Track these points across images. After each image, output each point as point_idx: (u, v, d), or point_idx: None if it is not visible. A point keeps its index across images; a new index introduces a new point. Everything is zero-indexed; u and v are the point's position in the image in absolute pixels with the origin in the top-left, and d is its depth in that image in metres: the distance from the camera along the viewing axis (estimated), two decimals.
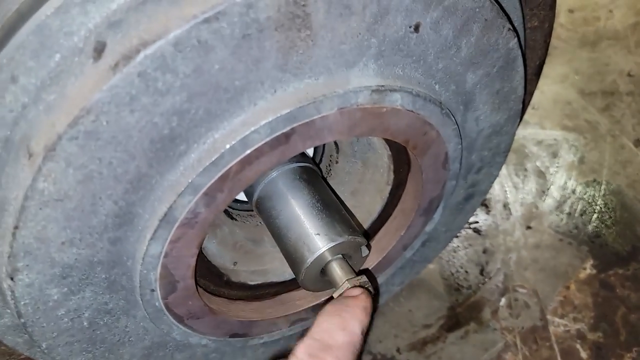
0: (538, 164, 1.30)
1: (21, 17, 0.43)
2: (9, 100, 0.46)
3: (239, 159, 0.52)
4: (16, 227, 0.48)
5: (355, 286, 0.62)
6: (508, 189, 1.26)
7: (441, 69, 0.61)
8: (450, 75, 0.62)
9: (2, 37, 0.44)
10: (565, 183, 1.26)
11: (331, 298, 0.76)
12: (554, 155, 1.32)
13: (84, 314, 0.59)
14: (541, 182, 1.27)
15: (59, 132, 0.44)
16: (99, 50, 0.44)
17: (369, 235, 0.80)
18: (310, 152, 0.80)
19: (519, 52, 0.66)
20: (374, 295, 0.63)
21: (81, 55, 0.44)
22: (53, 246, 0.51)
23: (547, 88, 1.47)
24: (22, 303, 0.54)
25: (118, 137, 0.46)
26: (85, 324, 0.61)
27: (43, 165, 0.45)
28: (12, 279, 0.51)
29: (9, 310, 0.62)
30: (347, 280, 0.63)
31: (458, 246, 1.17)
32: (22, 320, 0.56)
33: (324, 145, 0.81)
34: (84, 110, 0.43)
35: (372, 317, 0.60)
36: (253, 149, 0.52)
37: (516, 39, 0.64)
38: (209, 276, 0.73)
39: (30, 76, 0.45)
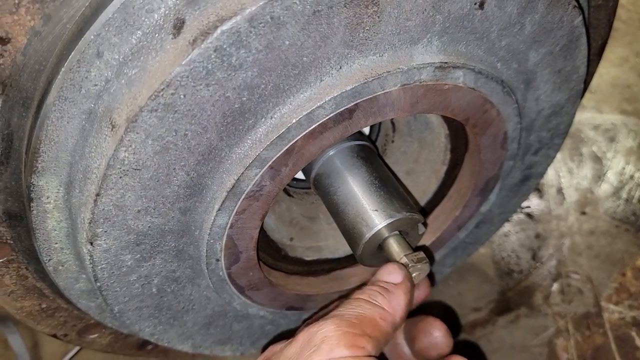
0: (594, 148, 1.27)
1: None
2: (93, 75, 0.49)
3: (304, 133, 0.54)
4: (98, 195, 0.51)
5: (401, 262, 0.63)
6: (562, 173, 1.23)
7: (504, 46, 0.60)
8: (513, 53, 0.62)
9: (90, 14, 0.47)
10: (623, 169, 1.22)
11: None
12: (612, 140, 1.28)
13: (153, 280, 0.63)
14: (597, 168, 1.24)
15: (140, 104, 0.46)
16: (178, 26, 0.46)
17: (425, 213, 0.81)
18: (366, 130, 0.81)
19: (583, 30, 0.65)
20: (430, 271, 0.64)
21: (161, 31, 0.47)
22: (130, 214, 0.54)
23: (606, 71, 1.42)
24: (99, 267, 0.58)
25: (193, 110, 0.48)
26: (154, 290, 0.64)
27: (125, 135, 0.48)
28: (91, 243, 0.55)
29: (84, 276, 0.66)
30: (404, 255, 0.64)
31: (509, 230, 1.16)
32: (98, 284, 0.60)
33: (380, 124, 0.82)
34: (164, 83, 0.46)
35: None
36: (318, 124, 0.54)
37: (581, 16, 0.63)
38: (267, 250, 0.76)
39: (114, 52, 0.48)
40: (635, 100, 1.36)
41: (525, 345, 1.00)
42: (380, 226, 0.65)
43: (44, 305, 0.71)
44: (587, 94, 1.37)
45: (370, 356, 0.52)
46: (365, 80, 0.53)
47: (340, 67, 0.52)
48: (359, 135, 0.74)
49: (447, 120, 0.72)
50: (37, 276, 0.66)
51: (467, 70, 0.58)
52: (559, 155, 1.27)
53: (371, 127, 0.82)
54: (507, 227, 1.16)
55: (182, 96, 0.47)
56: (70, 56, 0.48)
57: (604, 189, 1.20)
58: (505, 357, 0.99)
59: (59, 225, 0.59)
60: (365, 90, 0.54)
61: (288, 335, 0.61)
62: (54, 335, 0.76)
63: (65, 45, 0.48)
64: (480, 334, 1.03)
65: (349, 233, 0.68)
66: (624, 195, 1.18)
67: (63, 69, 0.48)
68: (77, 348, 1.11)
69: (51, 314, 0.72)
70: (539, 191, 1.21)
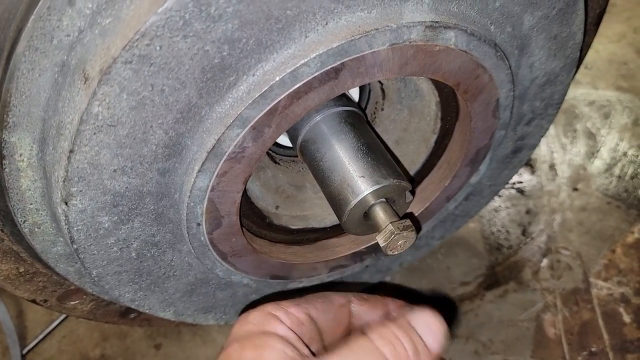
0: (588, 125, 1.25)
1: None
2: (65, 24, 0.46)
3: (287, 92, 0.52)
4: (71, 151, 0.49)
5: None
6: (555, 149, 1.22)
7: (498, 8, 0.58)
8: (507, 15, 0.60)
9: None
10: (617, 145, 1.21)
11: (375, 245, 0.76)
12: (606, 116, 1.26)
13: (132, 244, 0.61)
14: (591, 144, 1.22)
15: (114, 55, 0.44)
16: None
17: (414, 183, 0.79)
18: (355, 97, 0.79)
19: None
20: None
21: None
22: (105, 173, 0.52)
23: (602, 47, 1.40)
24: (75, 229, 0.56)
25: (170, 63, 0.46)
26: (133, 254, 0.62)
27: (98, 89, 0.45)
28: (66, 203, 0.53)
29: (61, 239, 0.64)
30: (390, 223, 0.62)
31: (500, 206, 1.15)
32: (75, 247, 0.58)
33: (369, 90, 0.80)
34: (139, 33, 0.43)
35: None
36: (302, 82, 0.52)
37: None
38: (252, 217, 0.74)
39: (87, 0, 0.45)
40: (632, 76, 1.34)
41: (513, 320, 1.00)
42: (366, 193, 0.63)
43: (21, 270, 0.69)
44: (582, 70, 1.35)
45: None
46: (352, 38, 0.51)
47: (326, 23, 0.50)
48: (347, 101, 0.72)
49: (438, 87, 0.70)
50: (13, 239, 0.64)
51: (459, 31, 0.56)
52: (552, 131, 1.25)
53: (360, 93, 0.80)
54: (497, 202, 1.15)
55: (158, 47, 0.45)
56: (40, 3, 0.45)
57: (597, 165, 1.19)
58: (493, 332, 0.99)
59: (33, 185, 0.57)
60: (352, 49, 0.52)
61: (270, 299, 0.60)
62: (34, 301, 0.74)
63: None
64: (468, 308, 1.03)
65: (335, 200, 0.66)
66: (616, 172, 1.17)
67: (33, 17, 0.46)
68: (61, 317, 1.10)
69: (29, 279, 0.70)
70: (531, 167, 1.20)
